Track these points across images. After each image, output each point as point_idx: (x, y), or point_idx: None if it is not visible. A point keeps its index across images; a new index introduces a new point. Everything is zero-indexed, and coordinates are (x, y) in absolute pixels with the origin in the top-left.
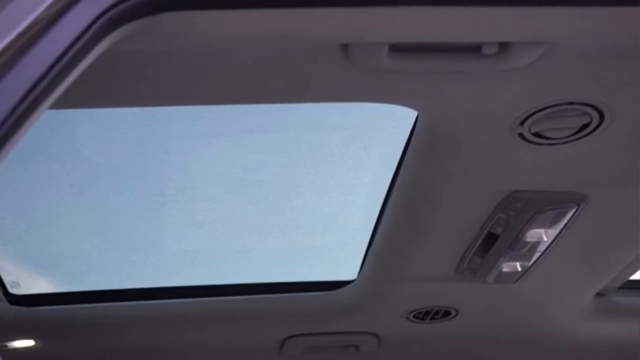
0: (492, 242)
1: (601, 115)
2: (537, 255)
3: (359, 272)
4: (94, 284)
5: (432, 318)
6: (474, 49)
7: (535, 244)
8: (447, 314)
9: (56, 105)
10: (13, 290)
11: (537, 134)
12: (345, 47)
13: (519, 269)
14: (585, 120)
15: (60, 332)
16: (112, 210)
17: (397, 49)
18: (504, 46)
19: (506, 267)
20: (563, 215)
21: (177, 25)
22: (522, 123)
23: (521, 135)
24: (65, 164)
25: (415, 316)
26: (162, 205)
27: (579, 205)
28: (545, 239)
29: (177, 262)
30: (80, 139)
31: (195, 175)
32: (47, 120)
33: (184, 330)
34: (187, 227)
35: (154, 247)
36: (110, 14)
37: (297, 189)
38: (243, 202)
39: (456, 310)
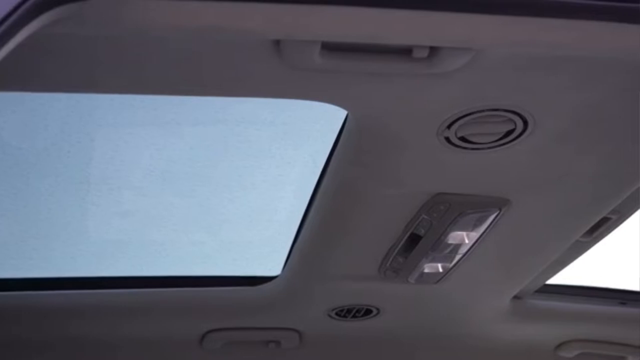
0: (415, 243)
1: (525, 123)
2: (458, 257)
3: (283, 268)
4: (9, 272)
5: (354, 316)
6: (405, 52)
7: (457, 246)
8: (368, 312)
9: None
10: None
11: (462, 138)
12: (277, 43)
13: (441, 270)
14: (510, 126)
15: None
16: (32, 197)
17: (329, 47)
18: (434, 50)
19: (428, 268)
20: (485, 218)
21: (108, 12)
22: (448, 127)
23: (447, 139)
24: None
25: (337, 314)
26: (85, 193)
27: (500, 210)
28: (466, 241)
29: (98, 252)
30: (1, 123)
31: (120, 164)
32: None
33: (102, 322)
34: (110, 217)
35: (74, 236)
36: None
37: (223, 182)
38: (168, 194)
39: (377, 309)
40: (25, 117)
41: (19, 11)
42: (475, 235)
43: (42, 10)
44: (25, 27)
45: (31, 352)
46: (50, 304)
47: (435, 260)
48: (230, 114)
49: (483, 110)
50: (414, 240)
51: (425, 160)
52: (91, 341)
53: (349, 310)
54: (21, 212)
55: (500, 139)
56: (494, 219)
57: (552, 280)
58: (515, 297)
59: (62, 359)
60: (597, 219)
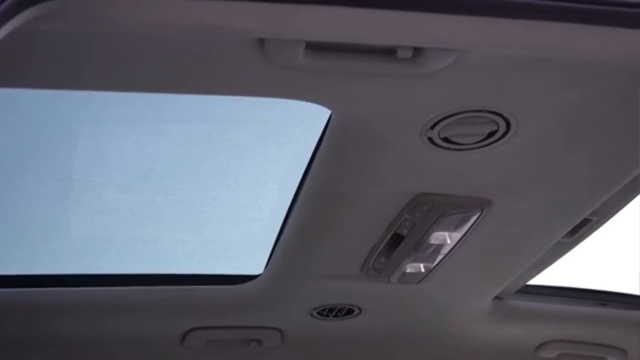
0: (397, 243)
1: (507, 124)
2: (440, 257)
3: (265, 267)
4: None
5: (336, 315)
6: (389, 52)
7: (439, 247)
8: (350, 311)
9: None
10: None
11: (445, 139)
12: (261, 42)
13: (423, 270)
14: (493, 128)
15: None
16: (14, 194)
17: (314, 47)
18: (418, 51)
19: (410, 268)
20: (467, 219)
21: (92, 9)
22: (432, 127)
23: (430, 140)
24: None
25: (319, 313)
26: (68, 191)
27: (482, 210)
28: (448, 241)
29: (80, 249)
30: None
31: (103, 162)
32: None
33: (83, 319)
34: (93, 214)
35: (56, 234)
36: None
37: (207, 181)
38: (151, 192)
39: (359, 309)
40: (7, 113)
41: (0, 8)
42: (457, 235)
43: (23, 7)
44: (6, 24)
45: (12, 349)
46: (31, 301)
47: (417, 260)
48: (214, 113)
49: (466, 111)
50: (396, 240)
51: (408, 160)
52: (71, 338)
53: (331, 310)
54: (3, 210)
55: (483, 140)
56: (476, 220)
57: (533, 281)
58: (497, 298)
59: (43, 356)
60: (579, 220)
